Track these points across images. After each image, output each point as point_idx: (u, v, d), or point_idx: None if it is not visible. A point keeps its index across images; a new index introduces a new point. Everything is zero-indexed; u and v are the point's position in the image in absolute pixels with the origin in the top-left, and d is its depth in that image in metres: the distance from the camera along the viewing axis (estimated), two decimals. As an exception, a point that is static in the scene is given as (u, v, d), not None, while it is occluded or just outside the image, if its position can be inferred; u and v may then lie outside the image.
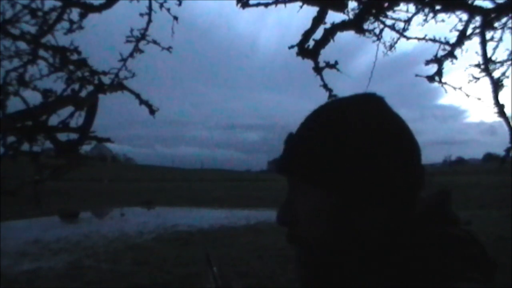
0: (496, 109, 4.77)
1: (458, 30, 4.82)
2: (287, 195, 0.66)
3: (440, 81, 5.12)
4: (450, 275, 0.53)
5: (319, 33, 4.17)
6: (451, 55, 4.95)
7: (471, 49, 4.95)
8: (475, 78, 5.07)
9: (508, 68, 4.99)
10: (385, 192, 0.57)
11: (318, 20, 4.05)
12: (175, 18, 4.23)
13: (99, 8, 4.10)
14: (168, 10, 4.15)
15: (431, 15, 4.69)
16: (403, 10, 4.54)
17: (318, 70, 4.30)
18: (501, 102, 4.78)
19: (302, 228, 0.62)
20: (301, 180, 0.61)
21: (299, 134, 0.64)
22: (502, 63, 4.97)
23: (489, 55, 4.82)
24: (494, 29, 4.66)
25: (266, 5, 3.84)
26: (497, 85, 4.87)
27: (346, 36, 4.26)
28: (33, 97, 4.25)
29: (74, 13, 4.12)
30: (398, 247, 0.57)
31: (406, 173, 0.58)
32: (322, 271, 0.61)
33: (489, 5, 4.37)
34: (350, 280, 0.59)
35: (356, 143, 0.57)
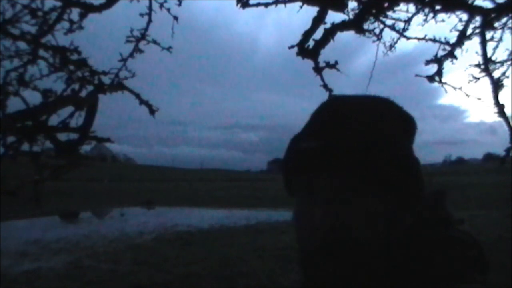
0: (496, 109, 4.77)
1: (458, 30, 4.82)
2: (326, 197, 0.57)
3: (440, 81, 5.12)
4: (450, 275, 0.53)
5: (319, 33, 4.17)
6: (451, 55, 4.95)
7: (471, 49, 4.95)
8: (475, 78, 5.07)
9: (508, 68, 4.99)
10: (419, 192, 0.60)
11: (318, 20, 4.05)
12: (175, 18, 4.22)
13: (99, 8, 4.10)
14: (168, 10, 4.14)
15: (431, 15, 4.69)
16: (403, 10, 4.54)
17: (318, 70, 4.30)
18: (501, 102, 4.78)
19: (356, 232, 0.56)
20: (354, 178, 0.55)
21: (337, 132, 0.58)
22: (502, 63, 4.97)
23: (489, 55, 4.82)
24: (494, 29, 4.66)
25: (266, 5, 3.84)
26: (497, 85, 4.87)
27: (346, 36, 4.27)
28: (33, 97, 4.25)
29: (74, 13, 4.12)
30: (399, 247, 0.57)
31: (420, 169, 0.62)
32: (367, 272, 0.57)
33: (489, 5, 4.37)
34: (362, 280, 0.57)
35: (394, 139, 0.59)
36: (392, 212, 0.57)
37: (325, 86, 4.32)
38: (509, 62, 4.97)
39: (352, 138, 0.56)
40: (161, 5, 4.11)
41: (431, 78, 5.14)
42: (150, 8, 4.13)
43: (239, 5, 3.85)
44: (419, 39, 4.84)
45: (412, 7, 4.55)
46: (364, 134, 0.57)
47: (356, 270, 0.56)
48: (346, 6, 3.97)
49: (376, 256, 0.56)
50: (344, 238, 0.56)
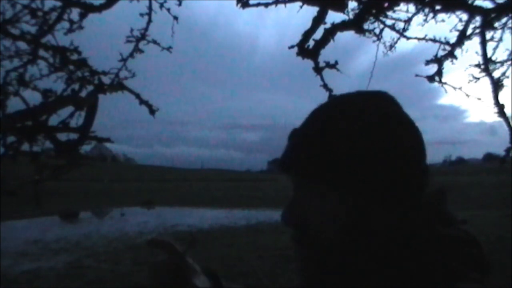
0: (496, 109, 4.78)
1: (458, 30, 4.82)
2: (293, 194, 0.62)
3: (440, 81, 5.12)
4: (450, 275, 0.53)
5: (319, 33, 4.17)
6: (451, 55, 4.95)
7: (471, 49, 4.96)
8: (475, 78, 5.07)
9: (508, 68, 5.00)
10: (399, 193, 0.56)
11: (318, 20, 4.05)
12: (175, 18, 4.23)
13: (99, 8, 4.10)
14: (168, 10, 4.15)
15: (431, 15, 4.69)
16: (403, 10, 4.55)
17: (318, 70, 4.30)
18: (501, 102, 4.79)
19: (313, 229, 0.59)
20: (314, 181, 0.58)
21: (308, 130, 0.61)
22: (502, 63, 4.97)
23: (489, 55, 4.82)
24: (494, 29, 4.66)
25: (266, 5, 3.84)
26: (497, 85, 4.87)
27: (346, 36, 4.27)
28: (33, 97, 4.25)
29: (74, 13, 4.12)
30: (398, 247, 0.56)
31: (417, 172, 0.58)
32: (330, 272, 0.59)
33: (489, 5, 4.37)
34: (356, 280, 0.58)
35: (372, 142, 0.56)
36: (354, 213, 0.56)
37: (325, 86, 4.32)
38: (509, 62, 4.98)
39: (316, 140, 0.58)
40: (161, 5, 4.11)
41: (431, 78, 5.14)
42: (150, 8, 4.13)
43: (239, 5, 3.85)
44: (419, 39, 4.85)
45: (412, 7, 4.56)
46: (327, 136, 0.58)
47: (312, 268, 0.60)
48: (346, 6, 3.97)
49: (333, 255, 0.58)
50: (303, 230, 0.60)
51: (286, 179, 0.65)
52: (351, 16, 4.10)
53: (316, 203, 0.58)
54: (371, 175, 0.55)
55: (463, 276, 0.53)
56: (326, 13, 4.04)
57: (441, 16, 4.69)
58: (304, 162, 0.58)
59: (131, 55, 4.30)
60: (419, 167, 0.58)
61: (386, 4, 4.31)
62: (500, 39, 4.81)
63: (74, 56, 4.27)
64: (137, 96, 4.65)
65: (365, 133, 0.56)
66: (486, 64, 4.83)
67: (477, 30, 4.70)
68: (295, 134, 0.63)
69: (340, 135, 0.57)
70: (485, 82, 4.93)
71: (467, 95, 4.94)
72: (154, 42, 4.32)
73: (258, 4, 3.84)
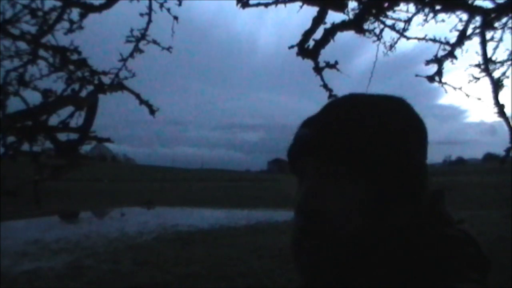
0: (496, 109, 4.78)
1: (458, 30, 4.82)
2: (308, 182, 0.59)
3: (440, 81, 5.11)
4: (448, 275, 0.53)
5: (319, 33, 4.17)
6: (451, 55, 4.95)
7: (471, 49, 4.95)
8: (475, 78, 5.07)
9: (508, 68, 5.00)
10: (416, 190, 0.59)
11: (318, 20, 4.05)
12: (175, 18, 4.23)
13: (99, 8, 4.10)
14: (168, 10, 4.15)
15: (431, 15, 4.69)
16: (403, 10, 4.54)
17: (318, 70, 4.30)
18: (501, 102, 4.78)
19: (330, 220, 0.56)
20: (340, 165, 0.56)
21: (331, 118, 0.60)
22: (502, 63, 4.97)
23: (489, 55, 4.82)
24: (494, 29, 4.66)
25: (266, 5, 3.84)
26: (497, 85, 4.87)
27: (346, 36, 4.26)
28: (33, 97, 4.25)
29: (74, 13, 4.12)
30: (398, 247, 0.56)
31: (427, 171, 0.61)
32: (342, 265, 0.56)
33: (489, 5, 4.37)
34: (361, 276, 0.57)
35: (398, 136, 0.58)
36: (377, 203, 0.56)
37: (325, 86, 4.32)
38: (509, 62, 4.98)
39: (351, 130, 0.58)
40: (161, 5, 4.11)
41: (431, 78, 5.14)
42: (150, 8, 4.13)
43: (239, 5, 3.85)
44: (419, 39, 4.84)
45: (412, 7, 4.55)
46: (363, 129, 0.58)
47: (322, 263, 0.57)
48: (346, 6, 3.96)
49: (350, 246, 0.56)
50: (319, 221, 0.57)
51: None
52: (351, 16, 4.10)
53: (339, 190, 0.57)
54: (395, 166, 0.57)
55: (462, 276, 0.53)
56: (326, 13, 4.04)
57: (441, 16, 4.69)
58: (331, 145, 0.57)
59: (131, 55, 4.30)
60: (426, 167, 0.62)
61: (386, 4, 4.31)
62: (500, 39, 4.81)
63: (74, 56, 4.28)
64: (137, 96, 4.65)
65: (392, 127, 0.59)
66: (486, 64, 4.83)
67: (477, 30, 4.70)
68: (313, 121, 0.62)
69: (368, 124, 0.58)
70: (485, 82, 4.94)
71: (467, 95, 4.94)
72: (154, 42, 4.32)
73: (258, 4, 3.84)
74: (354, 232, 0.56)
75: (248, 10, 3.91)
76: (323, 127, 0.59)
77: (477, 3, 4.39)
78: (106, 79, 4.44)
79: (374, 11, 4.29)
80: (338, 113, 0.60)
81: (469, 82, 5.12)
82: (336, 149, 0.56)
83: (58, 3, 4.03)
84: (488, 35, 4.73)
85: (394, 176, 0.57)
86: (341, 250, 0.56)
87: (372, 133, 0.57)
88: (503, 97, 4.84)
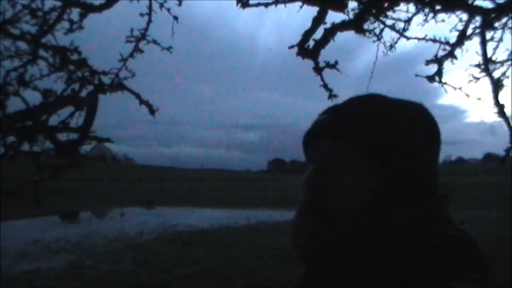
0: (496, 109, 4.78)
1: (458, 30, 4.82)
2: (320, 161, 0.60)
3: (440, 81, 5.12)
4: (447, 274, 0.53)
5: (319, 33, 4.17)
6: (451, 55, 4.95)
7: (471, 49, 4.95)
8: (475, 78, 5.07)
9: (508, 68, 5.00)
10: (425, 188, 0.59)
11: (318, 20, 4.05)
12: (175, 18, 4.23)
13: (99, 8, 4.10)
14: (168, 10, 4.15)
15: (431, 15, 4.69)
16: (403, 10, 4.54)
17: (318, 70, 4.30)
18: (501, 102, 4.79)
19: (336, 198, 0.57)
20: (353, 146, 0.58)
21: (351, 106, 0.63)
22: (502, 63, 4.97)
23: (489, 55, 4.82)
24: (494, 29, 4.66)
25: (266, 5, 3.84)
26: (497, 85, 4.87)
27: (346, 36, 4.26)
28: (33, 97, 4.25)
29: (74, 13, 4.12)
30: (397, 247, 0.56)
31: (437, 174, 0.62)
32: (341, 246, 0.56)
33: (489, 5, 4.37)
34: (353, 271, 0.57)
35: (413, 132, 0.60)
36: (383, 190, 0.57)
37: (325, 86, 4.32)
38: (509, 62, 4.98)
39: (368, 117, 0.60)
40: (161, 5, 4.11)
41: (431, 78, 5.14)
42: (150, 8, 4.13)
43: (239, 5, 3.85)
44: (419, 39, 4.84)
45: (412, 7, 4.55)
46: (380, 119, 0.60)
47: (321, 241, 0.57)
48: (346, 6, 3.96)
49: (350, 227, 0.56)
50: (324, 197, 0.57)
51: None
52: (351, 16, 4.10)
53: (349, 170, 0.57)
54: (406, 161, 0.58)
55: (460, 275, 0.53)
56: (326, 13, 4.04)
57: (441, 16, 4.69)
58: (347, 126, 0.59)
59: (131, 55, 4.30)
60: (436, 169, 0.62)
61: (386, 4, 4.31)
62: (500, 39, 4.81)
63: (74, 56, 4.28)
64: (137, 96, 4.65)
65: (408, 122, 0.60)
66: (486, 64, 4.83)
67: (477, 30, 4.70)
68: (332, 109, 0.65)
69: (385, 116, 0.60)
70: (485, 82, 4.94)
71: (467, 95, 4.94)
72: (154, 42, 4.32)
73: (258, 4, 3.84)
74: (356, 214, 0.56)
75: (248, 10, 3.92)
76: (341, 112, 0.62)
77: (477, 3, 4.40)
78: (106, 79, 4.45)
79: (374, 11, 4.29)
80: (358, 103, 0.63)
81: (469, 82, 5.13)
82: (352, 130, 0.59)
83: (58, 3, 4.03)
84: (488, 35, 4.74)
85: (404, 169, 0.58)
86: (340, 229, 0.56)
87: (389, 124, 0.59)
88: (503, 97, 4.85)
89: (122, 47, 4.27)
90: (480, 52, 4.79)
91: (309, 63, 4.31)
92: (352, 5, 4.13)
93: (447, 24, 4.82)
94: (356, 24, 4.09)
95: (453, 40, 4.90)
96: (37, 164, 4.63)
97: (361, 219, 0.56)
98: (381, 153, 0.57)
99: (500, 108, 4.74)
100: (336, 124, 0.60)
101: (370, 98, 0.65)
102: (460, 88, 4.98)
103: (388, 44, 4.99)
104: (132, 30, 4.22)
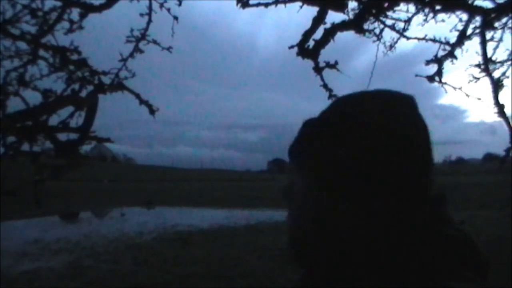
0: (496, 109, 4.77)
1: (458, 30, 4.81)
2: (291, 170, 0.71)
3: (440, 81, 5.11)
4: (445, 274, 0.53)
5: (319, 33, 4.17)
6: (451, 55, 4.95)
7: (471, 49, 4.95)
8: (475, 78, 5.07)
9: (508, 68, 4.99)
10: (418, 187, 0.58)
11: (318, 20, 4.04)
12: (175, 18, 4.22)
13: (99, 8, 4.10)
14: (168, 10, 4.14)
15: (431, 15, 4.69)
16: (403, 10, 4.54)
17: (318, 70, 4.29)
18: (501, 102, 4.78)
19: (295, 203, 0.67)
20: (293, 163, 0.67)
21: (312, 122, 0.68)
22: (502, 63, 4.97)
23: (489, 55, 4.82)
24: (494, 29, 4.66)
25: (266, 5, 3.84)
26: (497, 85, 4.87)
27: (346, 36, 4.26)
28: (33, 97, 4.25)
29: (74, 13, 4.12)
30: (394, 247, 0.56)
31: (422, 173, 0.59)
32: (306, 249, 0.64)
33: (489, 5, 4.37)
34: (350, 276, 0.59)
35: (356, 137, 0.59)
36: (320, 197, 0.61)
37: (325, 86, 4.32)
38: (509, 62, 4.97)
39: (307, 130, 0.66)
40: (161, 5, 4.11)
41: (431, 78, 5.14)
42: (150, 8, 4.13)
43: (239, 5, 3.84)
44: (419, 39, 4.84)
45: (412, 7, 4.55)
46: (314, 126, 0.66)
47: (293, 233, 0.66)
48: (346, 6, 3.96)
49: (310, 232, 0.63)
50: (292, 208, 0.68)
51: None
52: (351, 16, 4.09)
53: (297, 182, 0.66)
54: (345, 167, 0.58)
55: (457, 275, 0.53)
56: (326, 13, 4.03)
57: (441, 16, 4.69)
58: (293, 147, 0.68)
59: (131, 55, 4.30)
60: (425, 170, 0.59)
61: (386, 4, 4.30)
62: (500, 39, 4.81)
63: (74, 56, 4.27)
64: (137, 96, 4.64)
65: (348, 129, 0.60)
66: (486, 64, 4.83)
67: (477, 30, 4.70)
68: (309, 122, 0.69)
69: (325, 126, 0.63)
70: (485, 82, 4.94)
71: (467, 95, 4.94)
72: (154, 42, 4.32)
73: (258, 4, 3.84)
74: (306, 217, 0.64)
75: (248, 10, 3.91)
76: (299, 132, 0.68)
77: (477, 3, 4.39)
78: (106, 79, 4.44)
79: (374, 11, 4.29)
80: (325, 116, 0.66)
81: (469, 82, 5.12)
82: (296, 151, 0.67)
83: (58, 3, 4.03)
84: (488, 35, 4.73)
85: (342, 176, 0.59)
86: (302, 231, 0.65)
87: (358, 140, 0.59)
88: (503, 97, 4.85)
89: (122, 47, 4.27)
90: (480, 52, 4.79)
91: (309, 63, 4.31)
92: (352, 5, 4.13)
93: (447, 24, 4.82)
94: (356, 24, 4.09)
95: (453, 40, 4.91)
96: (37, 164, 4.63)
97: (309, 221, 0.63)
98: (320, 168, 0.61)
99: (500, 108, 4.74)
100: (290, 146, 0.68)
101: (338, 106, 0.66)
102: (460, 88, 4.98)
103: (388, 44, 4.99)
104: (132, 30, 4.22)
